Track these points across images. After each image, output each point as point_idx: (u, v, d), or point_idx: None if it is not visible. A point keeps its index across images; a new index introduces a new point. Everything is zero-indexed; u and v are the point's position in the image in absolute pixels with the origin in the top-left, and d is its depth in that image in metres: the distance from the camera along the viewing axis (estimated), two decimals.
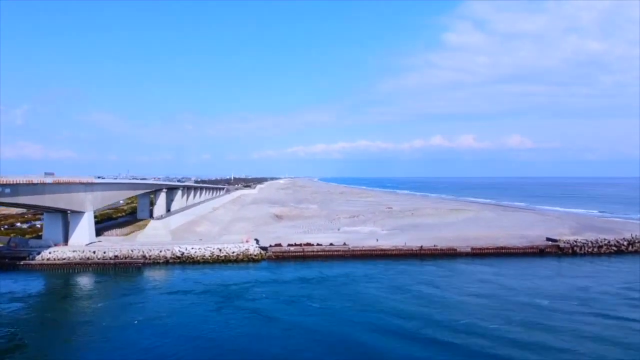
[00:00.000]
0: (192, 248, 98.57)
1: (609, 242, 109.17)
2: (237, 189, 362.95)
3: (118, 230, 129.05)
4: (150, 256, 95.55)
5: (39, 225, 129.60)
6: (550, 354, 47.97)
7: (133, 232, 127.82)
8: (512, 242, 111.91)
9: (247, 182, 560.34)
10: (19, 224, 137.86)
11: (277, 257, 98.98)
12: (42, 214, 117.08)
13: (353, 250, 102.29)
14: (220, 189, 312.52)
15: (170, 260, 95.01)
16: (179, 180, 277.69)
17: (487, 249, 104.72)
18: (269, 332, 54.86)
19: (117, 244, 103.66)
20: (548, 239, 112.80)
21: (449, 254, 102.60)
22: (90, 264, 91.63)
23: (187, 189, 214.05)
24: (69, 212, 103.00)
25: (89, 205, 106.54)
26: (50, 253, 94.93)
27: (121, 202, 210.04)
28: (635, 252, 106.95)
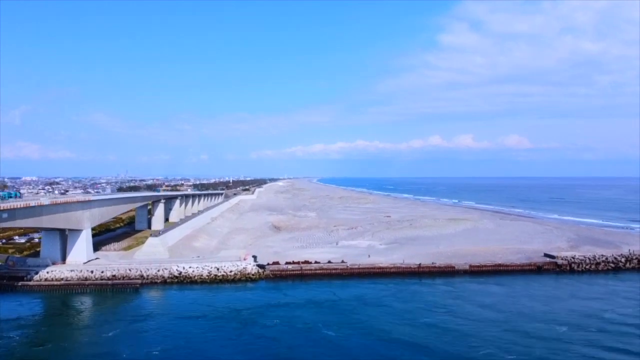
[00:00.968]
0: (190, 267, 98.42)
1: (606, 258, 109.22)
2: (235, 193, 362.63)
3: (116, 245, 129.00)
4: (147, 276, 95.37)
5: (37, 240, 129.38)
6: None
7: (131, 245, 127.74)
8: (510, 257, 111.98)
9: (246, 185, 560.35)
10: (17, 238, 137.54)
11: (275, 276, 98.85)
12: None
13: (351, 269, 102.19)
14: (218, 194, 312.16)
15: (168, 280, 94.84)
16: (177, 182, 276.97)
17: (485, 266, 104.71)
18: None
19: (115, 263, 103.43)
20: (546, 255, 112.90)
21: (447, 272, 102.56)
22: (88, 285, 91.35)
23: (185, 197, 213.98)
24: (67, 230, 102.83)
25: (87, 222, 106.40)
26: (48, 273, 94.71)
27: None
28: (633, 269, 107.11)
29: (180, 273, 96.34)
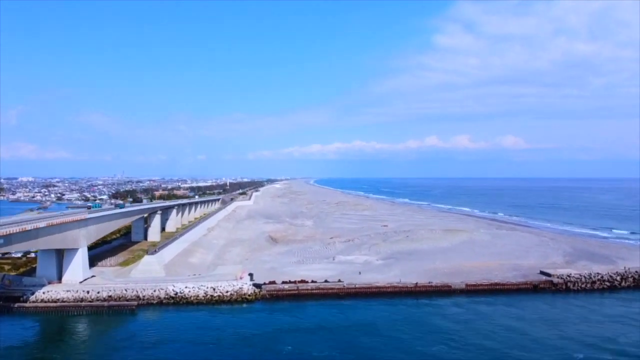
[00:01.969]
0: (186, 287, 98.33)
1: (602, 277, 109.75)
2: (232, 198, 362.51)
3: (112, 260, 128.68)
4: (144, 296, 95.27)
5: (33, 254, 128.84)
6: None
7: (127, 260, 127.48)
8: (506, 275, 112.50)
9: (243, 188, 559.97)
10: (13, 252, 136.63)
11: (271, 297, 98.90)
12: None
13: (348, 288, 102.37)
14: (215, 200, 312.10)
15: (164, 301, 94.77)
16: (174, 183, 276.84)
17: (481, 285, 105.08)
18: None
19: (111, 282, 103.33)
20: (542, 272, 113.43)
21: (444, 291, 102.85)
22: (84, 307, 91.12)
23: (182, 206, 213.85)
24: (63, 250, 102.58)
25: (83, 240, 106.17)
26: (44, 293, 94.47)
27: None
28: (628, 287, 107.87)
29: (177, 294, 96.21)
